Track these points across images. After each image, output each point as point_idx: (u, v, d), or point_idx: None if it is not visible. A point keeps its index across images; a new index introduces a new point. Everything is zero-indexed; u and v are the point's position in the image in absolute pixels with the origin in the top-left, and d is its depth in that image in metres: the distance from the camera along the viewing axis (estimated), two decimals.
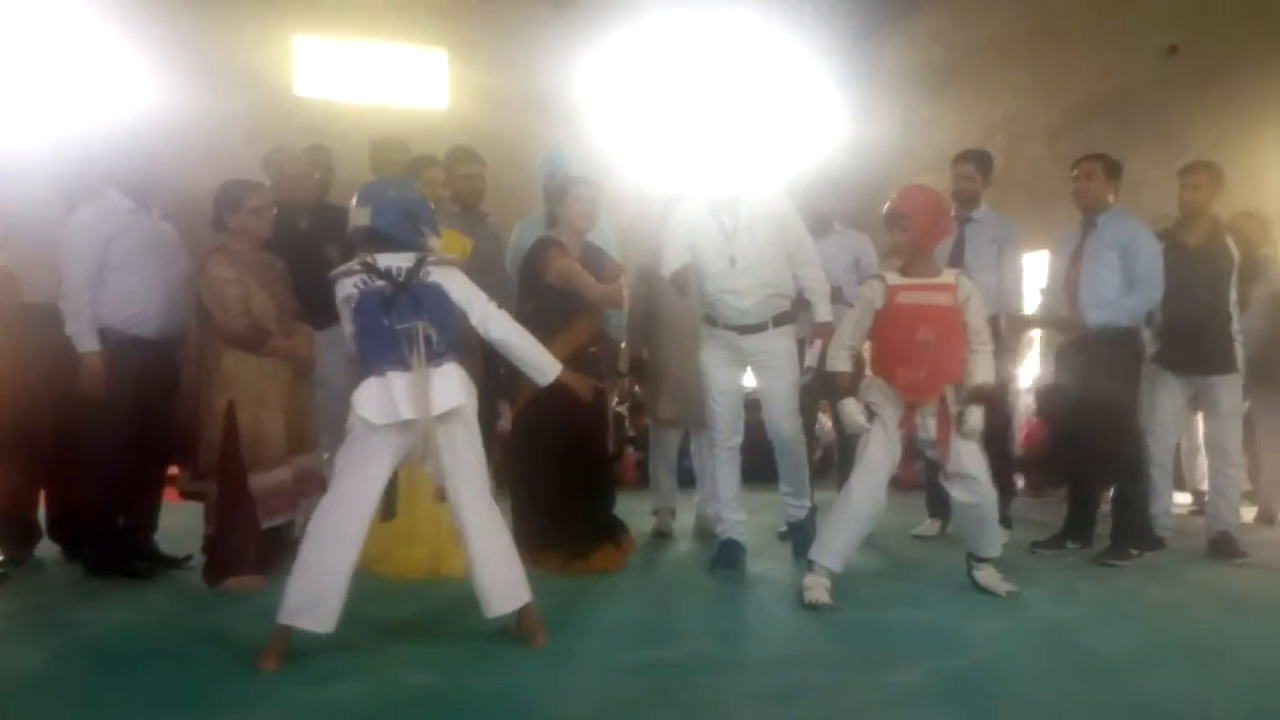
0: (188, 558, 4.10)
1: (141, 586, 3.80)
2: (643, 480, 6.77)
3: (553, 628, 3.02)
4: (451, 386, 2.79)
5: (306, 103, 9.95)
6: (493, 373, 4.19)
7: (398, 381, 2.75)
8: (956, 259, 4.67)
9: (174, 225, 4.24)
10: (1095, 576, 4.06)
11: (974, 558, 3.70)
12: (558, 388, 3.32)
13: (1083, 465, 4.71)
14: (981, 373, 3.59)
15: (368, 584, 3.54)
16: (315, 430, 4.04)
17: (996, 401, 4.77)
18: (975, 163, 4.98)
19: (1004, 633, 3.13)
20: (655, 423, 5.23)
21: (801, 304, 4.19)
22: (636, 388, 7.52)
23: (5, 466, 4.21)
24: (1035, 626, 3.23)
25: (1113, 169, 4.52)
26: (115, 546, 3.96)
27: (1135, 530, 4.38)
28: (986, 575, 3.66)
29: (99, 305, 3.85)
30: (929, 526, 5.05)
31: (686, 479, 5.33)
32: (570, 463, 4.10)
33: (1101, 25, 8.05)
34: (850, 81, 11.35)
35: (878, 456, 3.54)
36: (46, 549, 4.30)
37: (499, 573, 2.86)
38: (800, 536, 4.24)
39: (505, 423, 4.47)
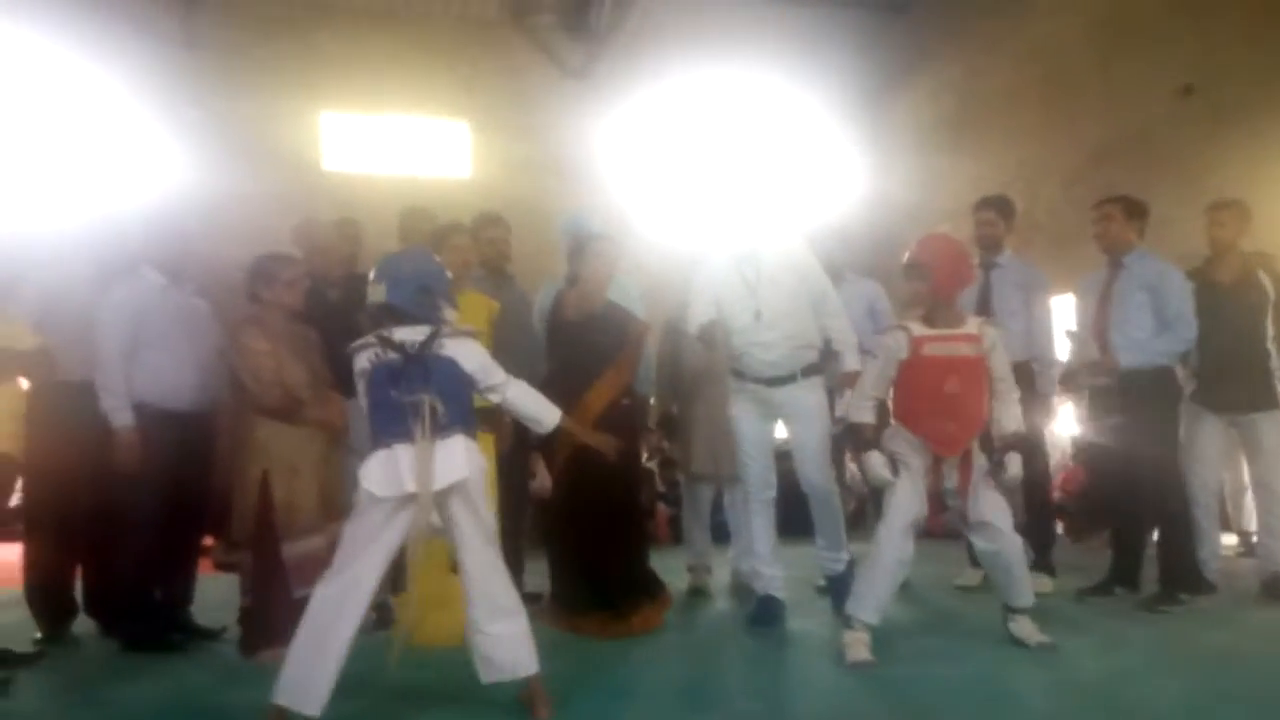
0: (223, 629, 4.09)
1: (177, 660, 3.78)
2: (676, 537, 6.72)
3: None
4: (455, 459, 2.78)
5: (334, 176, 10.16)
6: (525, 433, 4.20)
7: (403, 454, 2.74)
8: (983, 306, 4.65)
9: (206, 298, 4.31)
10: (1145, 624, 3.96)
11: (1008, 609, 3.62)
12: (591, 448, 3.34)
13: (1125, 509, 4.62)
14: (1012, 420, 3.56)
15: (403, 652, 3.53)
16: (348, 498, 4.04)
17: (1034, 449, 4.71)
18: (997, 209, 4.98)
19: (1054, 686, 3.05)
20: (687, 478, 5.20)
21: (829, 355, 4.18)
22: (666, 444, 7.50)
23: (42, 543, 4.23)
24: (1086, 678, 3.14)
25: (1134, 209, 4.50)
26: (151, 621, 3.96)
27: (1184, 575, 4.27)
28: (1020, 626, 3.57)
29: (133, 381, 3.91)
30: (971, 576, 4.93)
31: (721, 535, 5.28)
32: (605, 522, 4.09)
33: (1113, 68, 8.09)
34: (864, 137, 11.46)
35: (903, 506, 3.49)
36: (83, 624, 4.30)
37: (501, 642, 2.82)
38: (840, 590, 4.15)
39: (541, 481, 4.48)
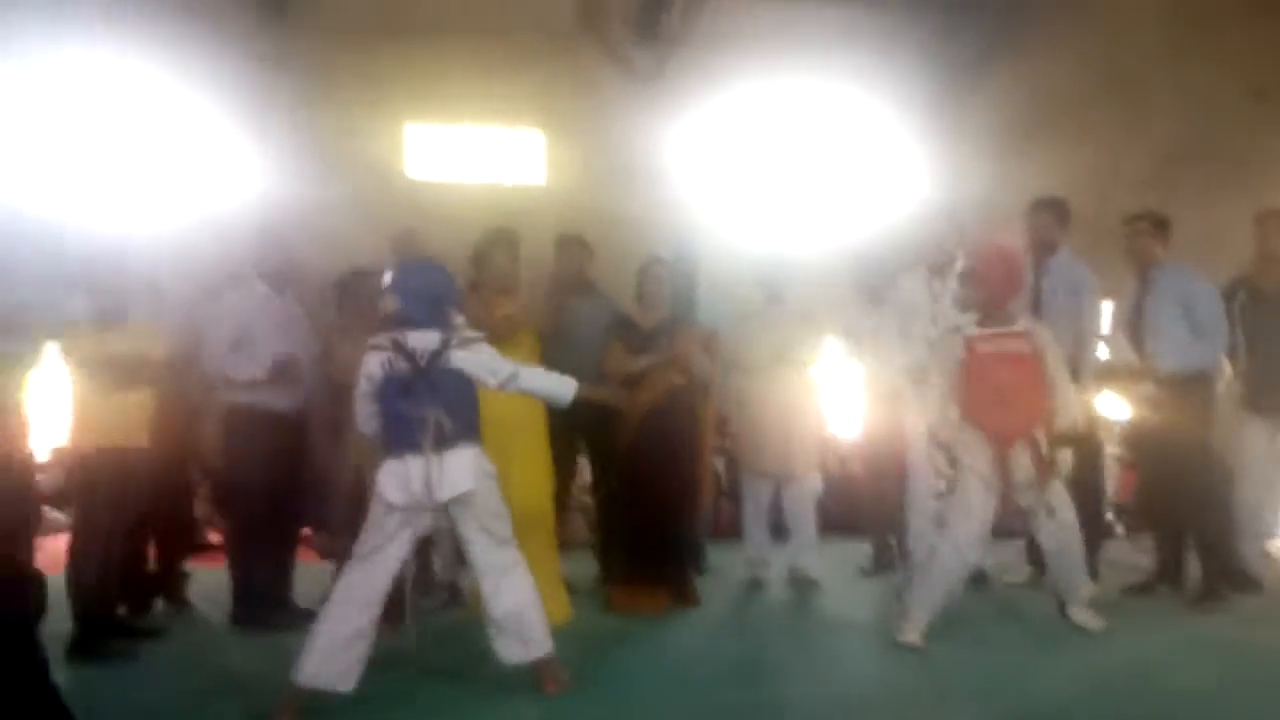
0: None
1: (280, 637, 4.15)
2: (736, 532, 6.95)
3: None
4: (463, 471, 3.01)
5: (416, 184, 10.62)
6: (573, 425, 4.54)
7: (414, 465, 2.98)
8: (1034, 307, 4.74)
9: (302, 303, 4.68)
10: (1182, 619, 4.11)
11: (1067, 600, 3.86)
12: (651, 437, 3.69)
13: (1167, 508, 4.71)
14: (1066, 416, 3.76)
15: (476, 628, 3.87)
16: None
17: (1088, 450, 4.84)
18: (1053, 212, 5.00)
19: (1082, 672, 3.25)
20: (747, 475, 5.40)
21: None
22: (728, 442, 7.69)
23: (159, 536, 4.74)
24: (1113, 666, 3.33)
25: (1161, 224, 4.66)
26: (257, 603, 4.35)
27: (1224, 571, 4.39)
28: (1079, 612, 3.83)
29: (239, 383, 4.30)
30: (1018, 572, 5.03)
31: (779, 531, 5.49)
32: (669, 497, 4.48)
33: (1185, 71, 8.05)
34: (935, 140, 11.48)
35: (975, 512, 3.70)
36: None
37: (516, 627, 3.09)
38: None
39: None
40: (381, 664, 3.05)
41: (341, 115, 10.18)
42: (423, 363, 3.06)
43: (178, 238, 5.34)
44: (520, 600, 3.11)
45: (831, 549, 4.48)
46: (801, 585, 4.99)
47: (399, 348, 3.09)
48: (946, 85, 11.39)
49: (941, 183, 11.21)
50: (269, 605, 4.38)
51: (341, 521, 4.09)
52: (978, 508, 3.69)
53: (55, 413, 4.02)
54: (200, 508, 6.46)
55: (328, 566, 4.59)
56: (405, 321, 3.14)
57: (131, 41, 9.46)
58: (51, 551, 5.33)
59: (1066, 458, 3.78)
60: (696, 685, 3.23)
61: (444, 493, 2.98)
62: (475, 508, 3.07)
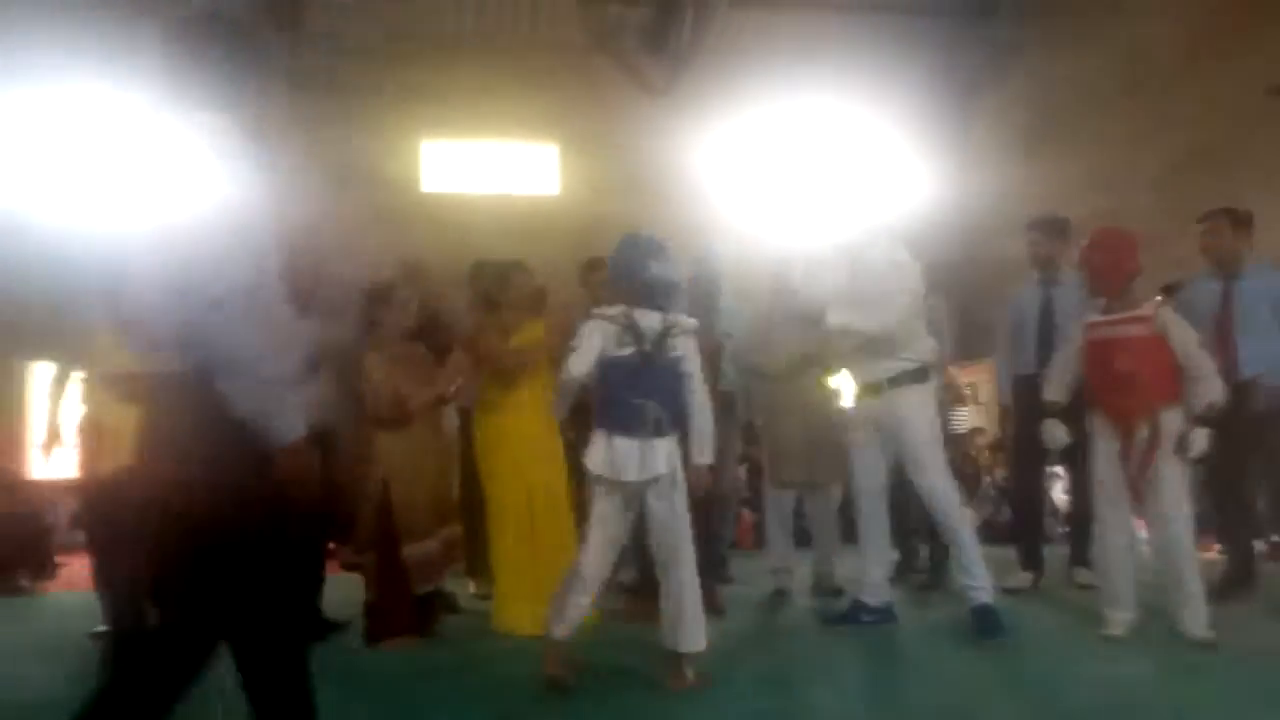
0: (348, 623, 4.49)
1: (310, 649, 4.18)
2: (758, 541, 6.95)
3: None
4: (661, 456, 3.10)
5: (432, 198, 10.73)
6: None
7: (624, 446, 3.06)
8: (1046, 321, 4.79)
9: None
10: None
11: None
12: None
13: (1240, 511, 4.68)
14: (1205, 395, 3.62)
15: (503, 643, 3.88)
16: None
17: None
18: (1041, 230, 5.07)
19: (1106, 677, 3.22)
20: (773, 485, 5.36)
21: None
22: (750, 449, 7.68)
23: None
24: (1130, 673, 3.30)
25: (1240, 219, 4.55)
26: None
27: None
28: (1192, 625, 3.64)
29: None
30: (1021, 579, 4.98)
31: (802, 539, 5.48)
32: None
33: (1201, 70, 8.03)
34: (944, 150, 11.48)
35: (1105, 481, 3.80)
36: None
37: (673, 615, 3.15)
38: (987, 620, 3.85)
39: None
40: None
41: (358, 132, 10.28)
42: (648, 346, 3.07)
43: (191, 253, 5.36)
44: (680, 590, 3.14)
45: (855, 557, 4.44)
46: (826, 594, 4.98)
47: (630, 327, 3.08)
48: (958, 90, 11.40)
49: (955, 187, 11.22)
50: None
51: (367, 534, 4.12)
52: (1113, 491, 3.76)
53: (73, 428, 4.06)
54: None
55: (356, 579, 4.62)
56: (649, 295, 3.12)
57: (145, 56, 9.59)
58: (75, 569, 5.40)
59: (1203, 438, 3.58)
60: (722, 692, 3.22)
61: (644, 473, 3.04)
62: (663, 486, 3.10)
